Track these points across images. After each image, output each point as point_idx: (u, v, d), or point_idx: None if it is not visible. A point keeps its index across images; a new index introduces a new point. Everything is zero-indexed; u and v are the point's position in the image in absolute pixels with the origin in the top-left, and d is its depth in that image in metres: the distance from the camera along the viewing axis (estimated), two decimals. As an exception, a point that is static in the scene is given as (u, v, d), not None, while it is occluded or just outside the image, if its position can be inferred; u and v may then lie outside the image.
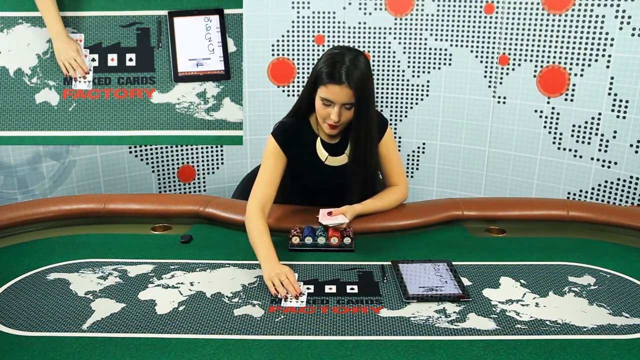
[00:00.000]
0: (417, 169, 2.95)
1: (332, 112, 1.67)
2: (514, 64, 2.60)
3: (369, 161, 1.79)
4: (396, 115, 2.89)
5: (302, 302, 1.37)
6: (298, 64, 2.84)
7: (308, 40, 2.80)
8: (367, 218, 1.80)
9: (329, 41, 2.79)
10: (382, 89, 2.86)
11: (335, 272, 1.54)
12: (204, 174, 2.94)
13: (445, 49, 2.72)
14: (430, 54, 2.75)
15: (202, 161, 2.92)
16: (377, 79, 2.84)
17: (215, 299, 1.40)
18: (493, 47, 2.63)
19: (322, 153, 1.82)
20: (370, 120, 1.73)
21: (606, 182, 2.53)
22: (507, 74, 2.63)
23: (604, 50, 2.39)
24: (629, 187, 2.47)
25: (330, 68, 1.64)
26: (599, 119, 2.48)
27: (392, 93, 2.86)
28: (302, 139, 1.81)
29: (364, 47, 2.79)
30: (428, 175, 2.95)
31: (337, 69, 1.63)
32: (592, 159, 2.54)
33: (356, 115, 1.70)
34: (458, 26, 2.66)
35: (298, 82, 2.87)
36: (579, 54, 2.45)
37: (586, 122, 2.51)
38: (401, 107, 2.87)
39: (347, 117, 1.70)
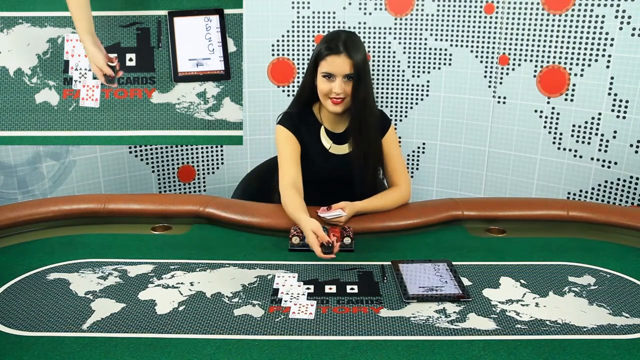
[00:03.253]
0: (417, 169, 2.95)
1: (334, 86, 1.75)
2: (514, 64, 2.60)
3: (371, 143, 1.84)
4: (396, 115, 2.89)
5: (310, 314, 1.34)
6: (298, 64, 2.83)
7: (308, 40, 2.80)
8: (367, 218, 1.80)
9: (329, 41, 2.79)
10: (382, 89, 2.86)
11: (335, 272, 1.54)
12: (204, 174, 2.94)
13: (445, 49, 2.72)
14: (430, 54, 2.75)
15: (202, 161, 2.92)
16: (377, 79, 2.84)
17: (215, 299, 1.40)
18: (493, 47, 2.63)
19: (326, 141, 1.85)
20: (368, 94, 1.80)
21: (606, 182, 2.53)
22: (507, 74, 2.63)
23: (604, 50, 2.39)
24: (629, 187, 2.47)
25: (328, 42, 1.75)
26: (599, 119, 2.48)
27: (392, 93, 2.86)
28: (307, 128, 1.86)
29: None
30: (428, 175, 2.95)
31: (335, 41, 1.74)
32: (592, 159, 2.54)
33: (354, 87, 1.77)
34: (458, 26, 2.66)
35: (298, 82, 2.86)
36: (579, 54, 2.45)
37: (586, 122, 2.51)
38: (401, 107, 2.87)
39: (349, 90, 1.77)
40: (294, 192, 1.74)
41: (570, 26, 2.44)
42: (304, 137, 1.86)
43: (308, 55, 2.82)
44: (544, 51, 2.52)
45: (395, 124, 2.90)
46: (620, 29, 2.34)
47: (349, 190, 1.85)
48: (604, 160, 2.51)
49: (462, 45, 2.68)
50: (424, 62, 2.77)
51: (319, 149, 1.87)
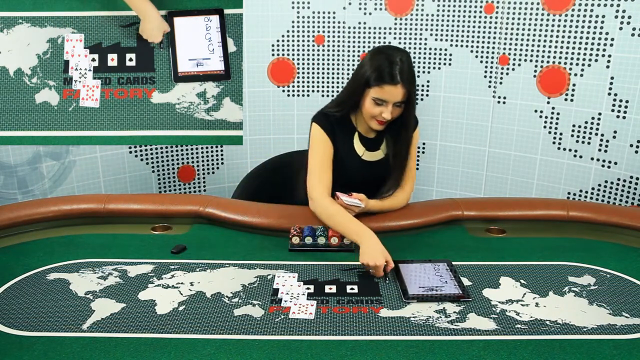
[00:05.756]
0: (417, 169, 2.95)
1: (384, 111, 1.71)
2: (514, 64, 2.60)
3: (407, 153, 1.85)
4: (396, 115, 2.88)
5: (310, 314, 1.34)
6: (298, 64, 2.84)
7: (308, 40, 2.80)
8: (367, 218, 1.79)
9: (329, 41, 2.79)
10: (382, 89, 2.86)
11: (335, 272, 1.54)
12: (204, 174, 2.94)
13: (445, 49, 2.72)
14: (430, 54, 2.75)
15: (202, 161, 2.92)
16: (377, 79, 2.84)
17: (215, 299, 1.40)
18: (493, 47, 2.63)
19: (359, 147, 1.84)
20: (413, 111, 1.81)
21: (606, 182, 2.53)
22: (507, 74, 2.63)
23: (604, 50, 2.39)
24: (629, 187, 2.47)
25: (381, 71, 1.68)
26: (599, 119, 2.48)
27: (392, 93, 2.85)
28: (342, 132, 1.84)
29: (364, 47, 2.79)
30: (428, 175, 2.95)
31: (393, 70, 1.67)
32: (592, 159, 2.54)
33: (406, 110, 1.76)
34: (458, 26, 2.66)
35: (298, 82, 2.87)
36: (579, 54, 2.45)
37: (586, 122, 2.52)
38: (401, 107, 2.87)
39: (397, 113, 1.74)
40: (337, 205, 1.71)
41: (570, 26, 2.44)
42: (338, 141, 1.83)
43: (308, 55, 2.82)
44: (544, 51, 2.52)
45: (395, 124, 2.90)
46: (620, 29, 2.34)
47: (375, 191, 1.84)
48: (604, 160, 2.51)
49: (462, 45, 2.68)
50: (424, 62, 2.77)
51: (351, 155, 1.85)
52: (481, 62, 2.67)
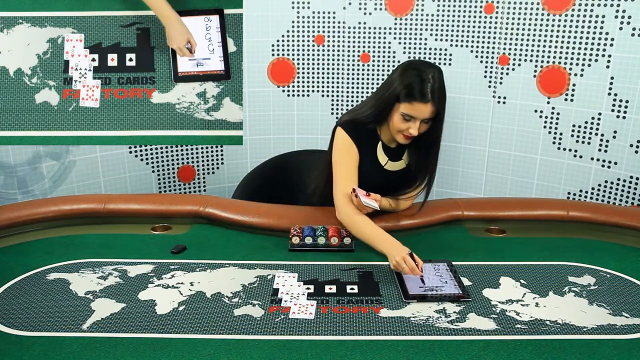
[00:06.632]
0: (417, 169, 2.95)
1: (412, 127, 1.69)
2: (514, 64, 2.60)
3: (433, 167, 1.84)
4: (396, 115, 2.88)
5: (310, 314, 1.34)
6: (298, 64, 2.83)
7: (308, 40, 2.80)
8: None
9: (329, 41, 2.79)
10: (382, 89, 2.85)
11: (335, 272, 1.54)
12: (204, 174, 2.94)
13: (445, 49, 2.72)
14: (430, 54, 2.74)
15: (202, 161, 2.92)
16: (378, 79, 2.84)
17: (215, 299, 1.40)
18: (493, 47, 2.63)
19: (382, 157, 1.83)
20: (442, 129, 1.78)
21: (606, 182, 2.53)
22: (507, 74, 2.63)
23: (604, 50, 2.39)
24: (629, 187, 2.47)
25: (411, 88, 1.66)
26: (599, 119, 2.48)
27: (392, 93, 2.85)
28: (367, 141, 1.82)
29: (364, 47, 2.79)
30: (428, 175, 2.95)
31: (424, 87, 1.65)
32: (592, 159, 2.54)
33: (434, 126, 1.74)
34: (458, 26, 2.66)
35: (298, 82, 2.86)
36: (579, 54, 2.45)
37: (586, 122, 2.51)
38: (401, 107, 2.87)
39: (424, 129, 1.73)
40: (362, 215, 1.69)
41: (570, 26, 2.44)
42: (363, 149, 1.82)
43: (308, 55, 2.81)
44: (544, 51, 2.52)
45: (395, 124, 2.89)
46: (620, 29, 2.34)
47: (390, 195, 1.84)
48: (604, 160, 2.51)
49: (462, 45, 2.68)
50: (424, 62, 2.76)
51: (374, 164, 1.84)
52: (481, 62, 2.67)
